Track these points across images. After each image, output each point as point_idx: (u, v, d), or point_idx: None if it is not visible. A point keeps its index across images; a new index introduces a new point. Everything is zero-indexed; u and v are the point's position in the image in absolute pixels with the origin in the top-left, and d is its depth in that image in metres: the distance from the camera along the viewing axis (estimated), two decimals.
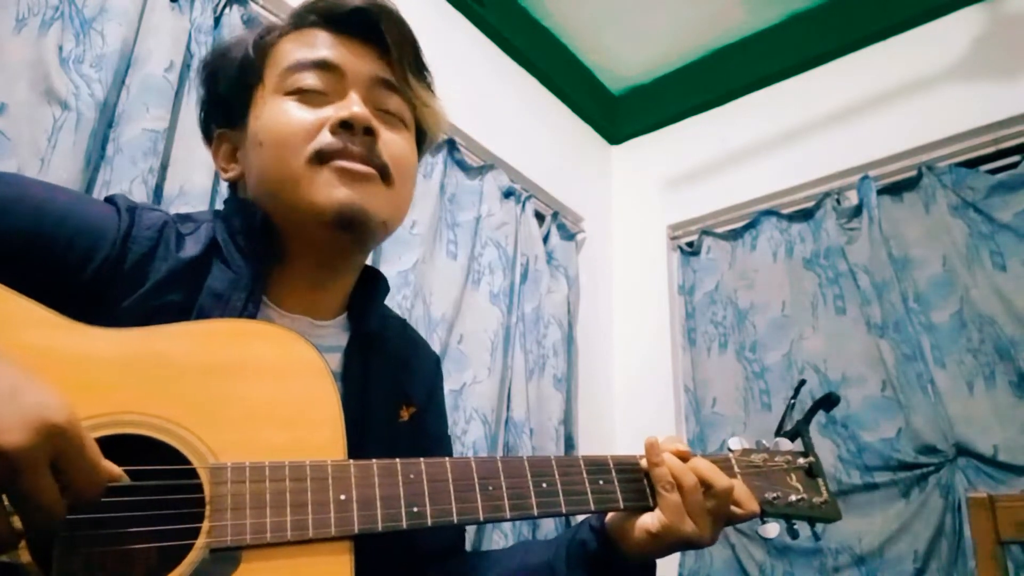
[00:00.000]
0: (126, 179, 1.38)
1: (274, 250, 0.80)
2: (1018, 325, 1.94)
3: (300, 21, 0.84)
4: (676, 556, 2.29)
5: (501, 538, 1.98)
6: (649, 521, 0.77)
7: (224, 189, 1.56)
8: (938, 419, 1.98)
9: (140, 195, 1.39)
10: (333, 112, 0.78)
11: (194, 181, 1.50)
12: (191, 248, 0.75)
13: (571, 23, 2.72)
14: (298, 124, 0.77)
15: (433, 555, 0.88)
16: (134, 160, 1.40)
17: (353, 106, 0.78)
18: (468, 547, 1.84)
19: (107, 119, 1.42)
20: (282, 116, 0.78)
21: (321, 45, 0.81)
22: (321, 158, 0.76)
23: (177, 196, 1.48)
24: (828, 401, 0.92)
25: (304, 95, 0.79)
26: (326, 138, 0.76)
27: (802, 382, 1.00)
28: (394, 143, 0.82)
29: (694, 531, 0.76)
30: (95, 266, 0.69)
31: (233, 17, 1.69)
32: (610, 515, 0.83)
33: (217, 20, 1.66)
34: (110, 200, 0.76)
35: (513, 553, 0.89)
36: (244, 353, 0.67)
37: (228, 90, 0.83)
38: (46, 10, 1.37)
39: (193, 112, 1.55)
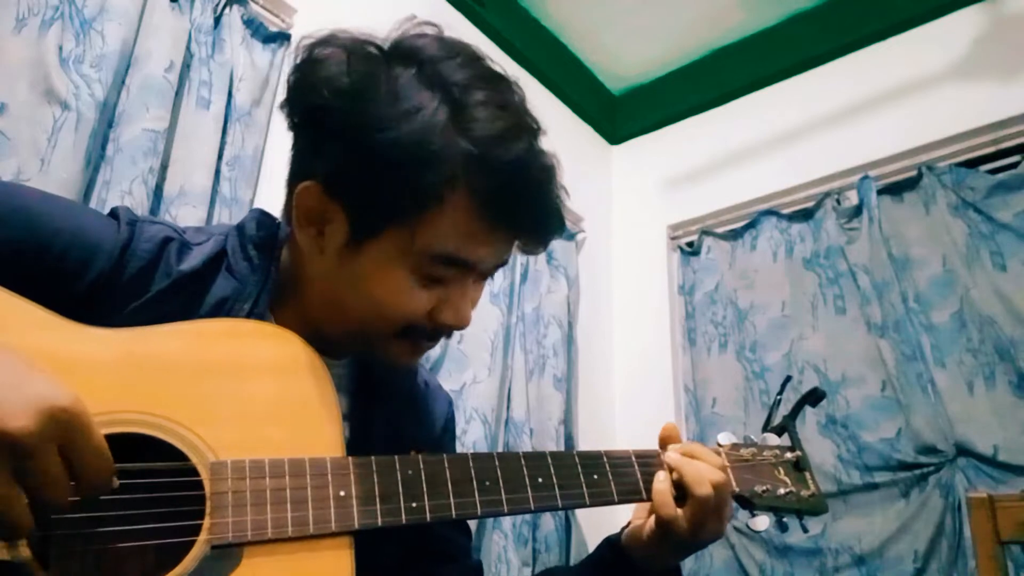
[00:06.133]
0: (126, 179, 1.38)
1: (296, 300, 0.78)
2: (1018, 325, 1.94)
3: (483, 202, 0.69)
4: None
5: (501, 538, 1.98)
6: (668, 529, 0.77)
7: (224, 189, 1.58)
8: (938, 419, 1.98)
9: (140, 195, 1.39)
10: (445, 305, 0.73)
11: (194, 181, 1.50)
12: (194, 261, 0.74)
13: (571, 23, 2.72)
14: (411, 310, 0.72)
15: (441, 558, 0.88)
16: (134, 160, 1.40)
17: (467, 315, 0.75)
18: None
19: (107, 119, 1.42)
20: (403, 296, 0.71)
21: (480, 249, 0.72)
22: (408, 334, 0.74)
23: (177, 196, 1.48)
24: (813, 396, 0.94)
25: (431, 280, 0.73)
26: (423, 325, 0.74)
27: (788, 378, 1.01)
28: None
29: (715, 530, 0.78)
30: (91, 278, 0.68)
31: (233, 17, 1.69)
32: (630, 528, 0.84)
33: (217, 20, 1.66)
34: (113, 213, 0.75)
35: None
36: (241, 351, 0.67)
37: (371, 195, 0.70)
38: (46, 10, 1.37)
39: (193, 112, 1.55)
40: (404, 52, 0.72)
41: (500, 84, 0.73)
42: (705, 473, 0.77)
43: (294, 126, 0.75)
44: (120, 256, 0.70)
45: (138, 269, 0.71)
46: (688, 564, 2.28)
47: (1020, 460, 1.86)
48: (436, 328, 0.75)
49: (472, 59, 0.73)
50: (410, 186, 0.67)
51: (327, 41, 0.72)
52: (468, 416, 2.00)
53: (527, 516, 2.07)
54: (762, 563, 2.14)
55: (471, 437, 1.98)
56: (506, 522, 2.00)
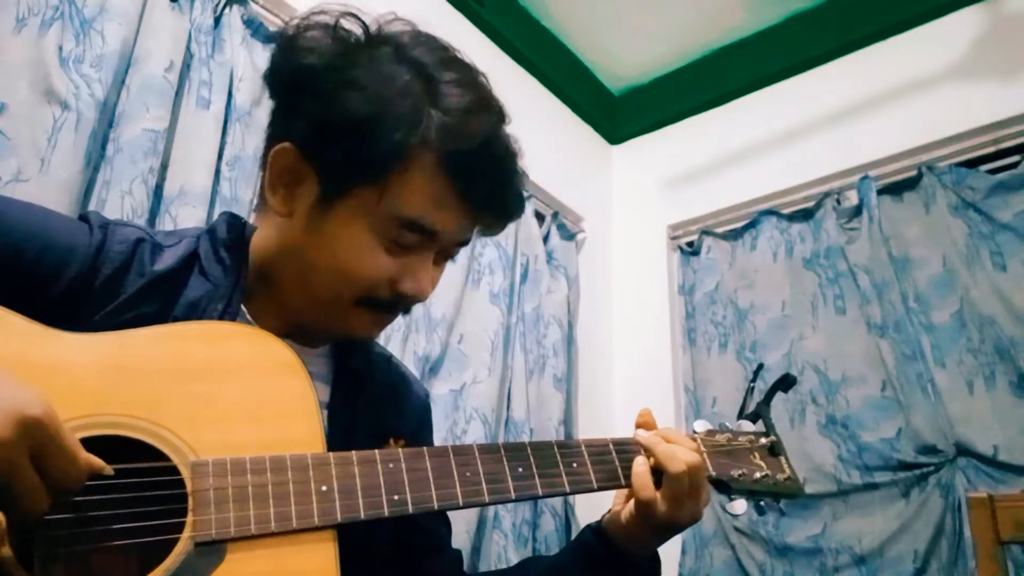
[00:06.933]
0: (126, 179, 1.39)
1: (267, 284, 0.80)
2: (1018, 325, 1.94)
3: (450, 169, 0.72)
4: (676, 556, 2.29)
5: (501, 538, 1.98)
6: (647, 512, 0.79)
7: (224, 190, 1.58)
8: (938, 419, 1.98)
9: (140, 195, 1.39)
10: (406, 274, 0.76)
11: (194, 181, 1.50)
12: (167, 262, 0.75)
13: (571, 23, 2.72)
14: (373, 272, 0.74)
15: (424, 550, 0.89)
16: (134, 160, 1.40)
17: (427, 285, 0.77)
18: (468, 547, 1.86)
19: (107, 119, 1.43)
20: (365, 257, 0.74)
21: (444, 218, 0.75)
22: (367, 303, 0.77)
23: (177, 196, 1.48)
24: (784, 382, 0.95)
25: (395, 245, 0.75)
26: (384, 294, 0.76)
27: (760, 366, 1.03)
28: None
29: (692, 512, 0.79)
30: (65, 282, 0.69)
31: (233, 17, 1.69)
32: (610, 513, 0.85)
33: (217, 20, 1.66)
34: (84, 217, 0.76)
35: (521, 568, 0.92)
36: (219, 353, 0.68)
37: (344, 152, 0.72)
38: (46, 10, 1.37)
39: (193, 112, 1.55)
40: (382, 37, 0.76)
41: (470, 69, 0.78)
42: (678, 453, 0.79)
43: (275, 93, 0.79)
44: (94, 258, 0.71)
45: (112, 271, 0.72)
46: (688, 564, 2.28)
47: (1020, 460, 1.85)
48: (395, 298, 0.77)
49: (443, 47, 0.78)
50: (380, 145, 0.70)
51: (313, 16, 0.76)
52: (468, 416, 2.00)
53: (527, 516, 2.07)
54: (762, 563, 2.14)
55: (471, 437, 1.98)
56: (506, 522, 2.00)
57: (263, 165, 0.78)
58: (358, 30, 0.76)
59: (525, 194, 0.80)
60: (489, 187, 0.76)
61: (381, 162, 0.71)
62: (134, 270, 0.73)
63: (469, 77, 0.77)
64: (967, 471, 1.91)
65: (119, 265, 0.72)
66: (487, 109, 0.75)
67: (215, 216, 1.53)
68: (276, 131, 0.78)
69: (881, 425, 2.08)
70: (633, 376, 2.68)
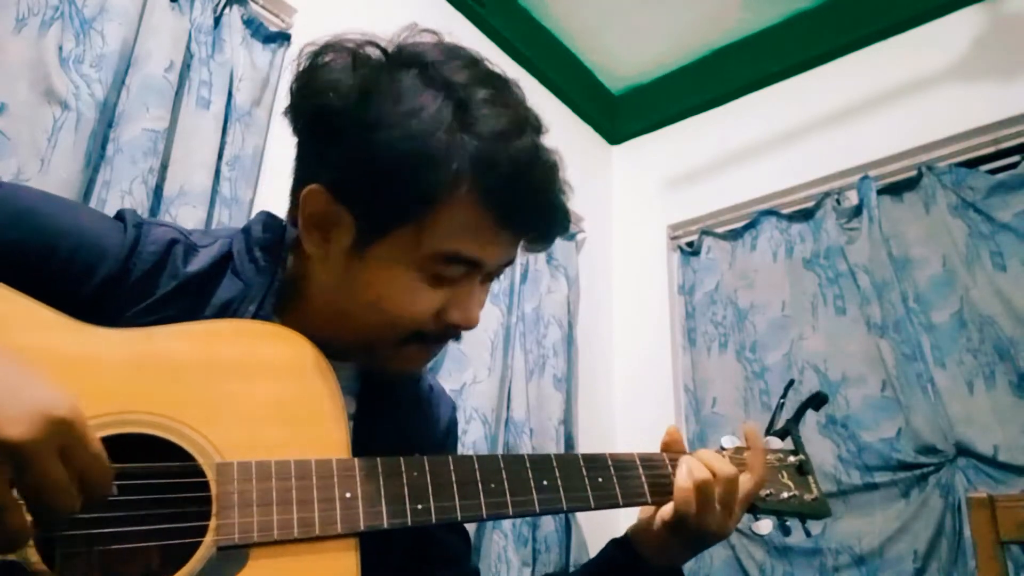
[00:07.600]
0: (126, 179, 1.38)
1: (300, 310, 0.78)
2: (1018, 325, 1.94)
3: (488, 199, 0.69)
4: None
5: (501, 538, 1.98)
6: (675, 524, 0.78)
7: (224, 190, 1.58)
8: (938, 419, 1.98)
9: (140, 195, 1.39)
10: (453, 305, 0.73)
11: (194, 181, 1.50)
12: (200, 263, 0.74)
13: (571, 23, 2.72)
14: (419, 312, 0.72)
15: (439, 562, 0.88)
16: (134, 160, 1.40)
17: (475, 313, 0.75)
18: None
19: (107, 119, 1.42)
20: (410, 297, 0.71)
21: (486, 248, 0.72)
22: (415, 339, 0.74)
23: (177, 196, 1.48)
24: (816, 400, 0.93)
25: (438, 279, 0.72)
26: (431, 327, 0.73)
27: (791, 382, 1.01)
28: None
29: (719, 526, 0.79)
30: (97, 281, 0.68)
31: (233, 17, 1.69)
32: (635, 526, 0.84)
33: (217, 20, 1.66)
34: (119, 215, 0.74)
35: None
36: (247, 352, 0.67)
37: (378, 196, 0.69)
38: (46, 10, 1.37)
39: (193, 112, 1.55)
40: (406, 56, 0.73)
41: (501, 83, 0.74)
42: (719, 466, 0.79)
43: (298, 131, 0.75)
44: (127, 258, 0.70)
45: (144, 271, 0.70)
46: (688, 564, 2.27)
47: (1020, 460, 1.85)
48: (443, 329, 0.74)
49: (472, 61, 0.74)
50: (416, 185, 0.67)
51: (330, 46, 0.73)
52: (468, 416, 2.00)
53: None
54: (762, 563, 2.14)
55: (471, 437, 1.98)
56: (506, 522, 2.00)
57: (294, 204, 0.75)
58: (379, 54, 0.72)
59: (567, 205, 0.77)
60: (530, 211, 0.72)
61: (417, 203, 0.68)
62: (167, 271, 0.72)
63: (501, 94, 0.72)
64: (967, 471, 1.91)
65: (151, 266, 0.71)
66: (522, 128, 0.71)
67: (215, 216, 1.54)
68: (304, 171, 0.74)
69: (881, 425, 2.08)
70: (633, 376, 2.67)
